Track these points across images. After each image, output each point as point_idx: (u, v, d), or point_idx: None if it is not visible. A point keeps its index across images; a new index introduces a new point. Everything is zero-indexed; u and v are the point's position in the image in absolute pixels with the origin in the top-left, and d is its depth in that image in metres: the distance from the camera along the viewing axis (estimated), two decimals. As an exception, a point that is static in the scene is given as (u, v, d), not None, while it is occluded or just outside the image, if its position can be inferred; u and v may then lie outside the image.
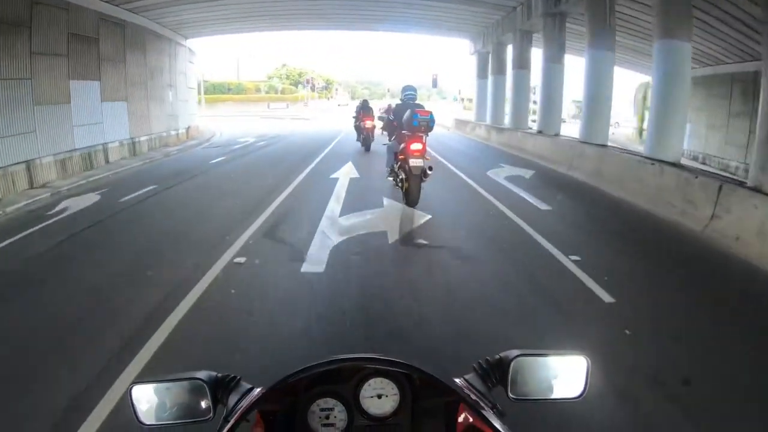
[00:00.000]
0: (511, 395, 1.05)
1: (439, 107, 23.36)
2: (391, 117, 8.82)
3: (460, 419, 1.06)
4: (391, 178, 8.87)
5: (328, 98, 70.62)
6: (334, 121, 33.72)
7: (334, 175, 11.36)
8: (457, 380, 1.05)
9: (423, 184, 7.81)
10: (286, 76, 68.65)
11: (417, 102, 8.55)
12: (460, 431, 1.05)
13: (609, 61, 11.84)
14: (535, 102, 26.84)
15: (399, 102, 8.79)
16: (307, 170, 12.16)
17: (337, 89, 76.98)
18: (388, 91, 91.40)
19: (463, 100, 40.29)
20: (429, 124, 7.68)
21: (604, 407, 2.87)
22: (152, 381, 1.04)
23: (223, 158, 14.15)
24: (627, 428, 2.83)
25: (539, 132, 15.28)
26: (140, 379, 1.15)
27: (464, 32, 24.36)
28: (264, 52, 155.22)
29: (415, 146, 7.57)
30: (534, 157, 14.11)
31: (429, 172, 7.67)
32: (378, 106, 43.67)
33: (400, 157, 7.95)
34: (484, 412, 0.94)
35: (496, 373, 1.07)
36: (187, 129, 20.88)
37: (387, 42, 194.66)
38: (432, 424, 1.03)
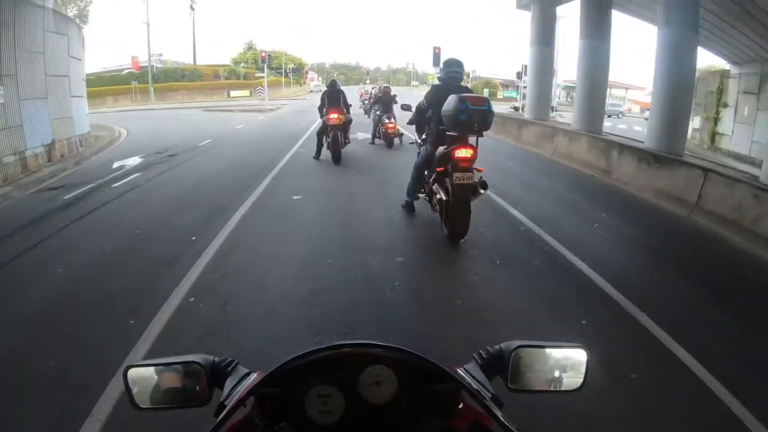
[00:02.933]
0: (510, 386, 0.99)
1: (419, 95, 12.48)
2: (424, 104, 5.81)
3: (460, 408, 0.97)
4: (421, 196, 6.09)
5: (301, 84, 60.72)
6: (299, 114, 23.82)
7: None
8: (457, 369, 0.99)
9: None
10: (254, 60, 57.95)
11: (462, 85, 5.88)
12: (459, 420, 0.95)
13: None
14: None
15: (435, 83, 6.31)
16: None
17: (307, 72, 66.50)
18: (368, 74, 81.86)
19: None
20: (486, 119, 5.02)
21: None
22: (148, 364, 0.98)
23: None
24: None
25: None
26: (136, 362, 1.01)
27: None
28: (228, 35, 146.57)
29: (463, 153, 5.03)
30: None
31: (481, 191, 5.08)
32: (359, 91, 34.36)
33: (438, 168, 5.37)
34: (485, 402, 0.89)
35: (496, 364, 1.01)
36: (50, 146, 11.46)
37: (368, 18, 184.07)
38: (431, 412, 0.95)
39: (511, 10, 16.76)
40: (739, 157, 19.14)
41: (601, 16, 11.85)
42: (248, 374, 0.99)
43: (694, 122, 26.10)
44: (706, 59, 35.39)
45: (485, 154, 11.60)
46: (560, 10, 15.34)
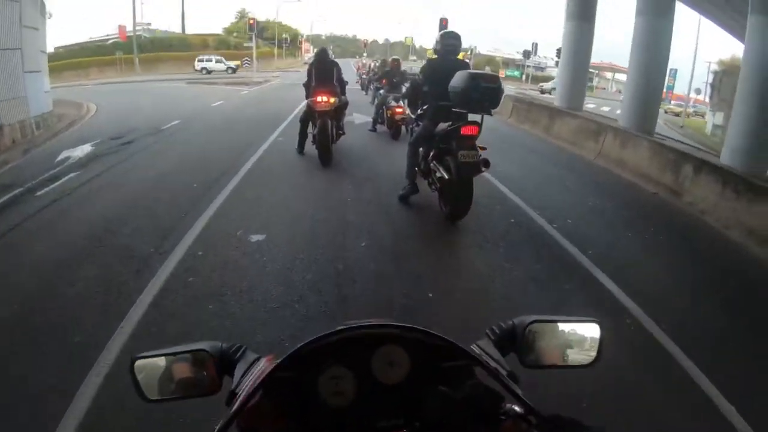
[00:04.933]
0: (524, 362, 0.95)
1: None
2: (419, 78, 5.58)
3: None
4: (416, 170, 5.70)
5: (296, 55, 57.44)
6: (287, 89, 21.06)
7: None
8: (471, 347, 0.94)
9: None
10: (246, 30, 54.11)
11: (459, 59, 5.73)
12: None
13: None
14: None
15: (431, 57, 5.87)
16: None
17: (301, 43, 62.55)
18: (365, 46, 77.84)
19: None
20: (496, 97, 4.79)
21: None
22: (155, 354, 0.91)
23: None
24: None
25: None
26: (143, 353, 0.90)
27: None
28: (222, 3, 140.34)
29: (469, 130, 4.85)
30: None
31: (484, 169, 4.83)
32: (355, 64, 31.76)
33: (442, 146, 5.08)
34: (501, 378, 0.84)
35: (509, 340, 0.97)
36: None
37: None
38: (445, 391, 0.86)
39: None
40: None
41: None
42: (257, 359, 0.93)
43: (716, 118, 23.96)
44: (734, 49, 32.90)
45: (513, 148, 9.70)
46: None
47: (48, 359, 2.76)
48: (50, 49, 26.04)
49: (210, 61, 38.71)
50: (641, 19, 9.62)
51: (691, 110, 35.56)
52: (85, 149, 9.28)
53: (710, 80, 29.98)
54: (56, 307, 3.30)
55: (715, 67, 31.76)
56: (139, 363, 0.90)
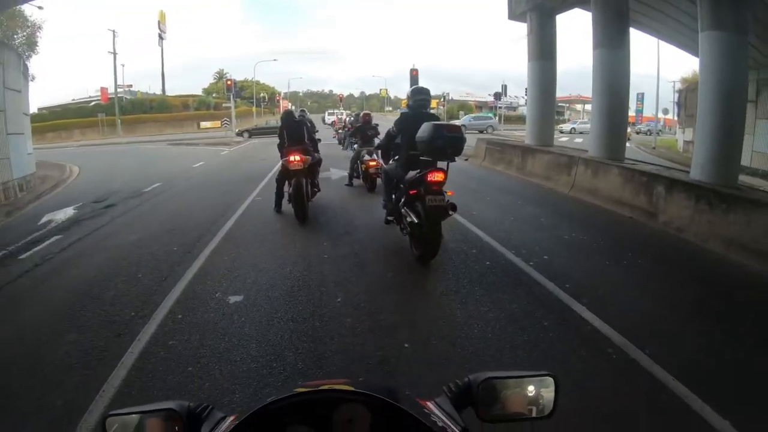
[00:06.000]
0: (480, 417, 0.99)
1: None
2: (393, 130, 5.79)
3: None
4: (391, 218, 5.95)
5: (274, 113, 58.63)
6: (267, 147, 21.29)
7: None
8: (428, 403, 1.01)
9: None
10: (226, 90, 55.25)
11: (429, 112, 6.00)
12: None
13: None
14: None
15: (404, 110, 6.43)
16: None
17: (278, 100, 64.02)
18: (341, 101, 79.89)
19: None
20: (459, 145, 5.09)
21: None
22: (126, 412, 0.95)
23: None
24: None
25: None
26: (115, 410, 0.96)
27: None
28: (202, 65, 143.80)
29: (435, 176, 5.06)
30: None
31: (451, 212, 5.08)
32: (327, 118, 32.20)
33: (411, 192, 5.29)
34: None
35: (466, 396, 1.01)
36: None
37: (340, 42, 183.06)
38: None
39: (502, 22, 15.02)
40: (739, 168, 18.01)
41: (620, 21, 9.87)
42: (223, 418, 0.97)
43: (686, 134, 25.07)
44: (694, 65, 34.88)
45: (487, 190, 10.01)
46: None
47: (29, 423, 2.78)
48: (33, 110, 26.39)
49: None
50: (598, 52, 9.99)
51: (636, 129, 37.55)
52: (67, 212, 9.33)
53: (676, 99, 30.96)
54: (38, 370, 3.33)
55: (678, 85, 33.33)
56: (110, 420, 0.93)
